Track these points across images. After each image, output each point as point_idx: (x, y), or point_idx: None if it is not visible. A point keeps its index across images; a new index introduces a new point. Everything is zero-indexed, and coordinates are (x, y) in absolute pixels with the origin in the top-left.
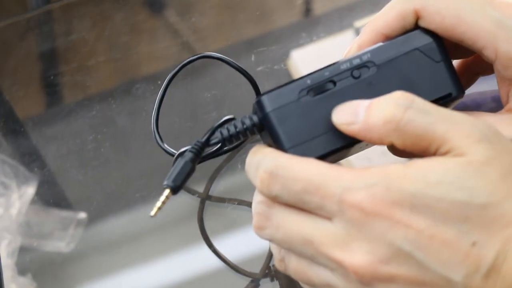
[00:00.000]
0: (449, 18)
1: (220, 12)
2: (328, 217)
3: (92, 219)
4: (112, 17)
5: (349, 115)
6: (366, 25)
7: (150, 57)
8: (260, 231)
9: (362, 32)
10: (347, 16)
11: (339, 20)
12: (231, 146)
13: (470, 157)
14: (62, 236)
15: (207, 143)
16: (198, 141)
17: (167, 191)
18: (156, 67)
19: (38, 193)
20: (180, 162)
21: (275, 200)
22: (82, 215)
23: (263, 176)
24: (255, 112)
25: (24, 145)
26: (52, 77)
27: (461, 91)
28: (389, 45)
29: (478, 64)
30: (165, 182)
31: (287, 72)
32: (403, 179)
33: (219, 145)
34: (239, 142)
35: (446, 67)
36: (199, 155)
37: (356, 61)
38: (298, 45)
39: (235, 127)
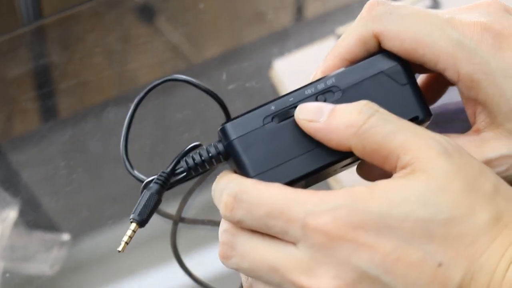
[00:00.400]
0: (408, 41)
1: (192, 29)
2: (293, 242)
3: (72, 242)
4: (85, 38)
5: (313, 113)
6: (329, 52)
7: (121, 78)
8: (226, 260)
9: (325, 58)
10: (328, 24)
11: (320, 27)
12: (197, 174)
13: (431, 173)
14: (46, 258)
15: (172, 173)
16: (163, 172)
17: (133, 225)
18: (127, 87)
19: (20, 216)
20: (146, 195)
21: (239, 225)
22: (66, 236)
23: (227, 201)
24: (220, 140)
25: (2, 170)
26: (24, 102)
27: (428, 114)
28: (354, 69)
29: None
30: (131, 216)
31: (259, 90)
32: (367, 200)
33: (184, 174)
34: (205, 170)
35: (412, 90)
36: (165, 186)
37: (321, 86)
38: (270, 62)
39: (200, 155)
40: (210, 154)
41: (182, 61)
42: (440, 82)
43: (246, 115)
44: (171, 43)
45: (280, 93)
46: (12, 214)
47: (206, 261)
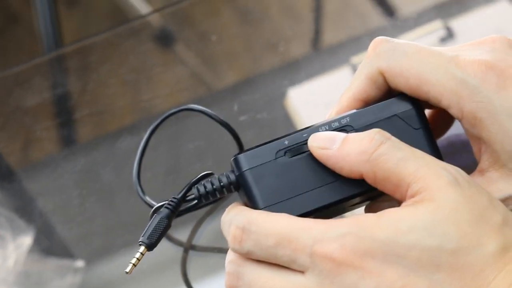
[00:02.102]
0: (412, 79)
1: (205, 60)
2: (301, 270)
3: (86, 268)
4: (100, 68)
5: (326, 140)
6: (342, 93)
7: (135, 108)
8: None
9: (339, 99)
10: (342, 52)
11: (334, 56)
12: (207, 202)
13: (440, 203)
14: (60, 285)
15: (183, 199)
16: (174, 197)
17: (142, 248)
18: (141, 117)
19: (35, 243)
20: (156, 219)
21: (248, 256)
22: (80, 263)
23: (236, 233)
24: (232, 170)
25: (13, 198)
26: (39, 131)
27: (439, 158)
28: (369, 110)
29: None
30: (140, 239)
31: (270, 121)
32: (375, 228)
33: (195, 201)
34: (215, 198)
35: (425, 134)
36: (175, 211)
37: (335, 124)
38: (281, 93)
39: (212, 184)
40: (221, 183)
41: (195, 92)
42: (447, 116)
43: (259, 148)
44: (184, 74)
45: (293, 123)
46: (26, 241)
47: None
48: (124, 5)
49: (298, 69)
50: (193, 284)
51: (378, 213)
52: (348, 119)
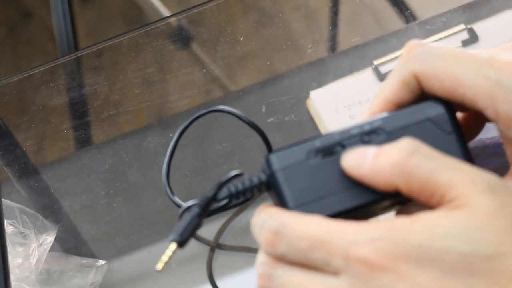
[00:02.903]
0: (447, 81)
1: (231, 61)
2: (335, 273)
3: (109, 267)
4: (125, 69)
5: (357, 158)
6: (375, 96)
7: (162, 109)
8: None
9: (372, 102)
10: (364, 54)
11: (356, 58)
12: (238, 202)
13: (475, 209)
14: (82, 283)
15: (214, 199)
16: (205, 196)
17: (173, 245)
18: (167, 116)
19: (56, 242)
20: (187, 217)
21: (281, 259)
22: (101, 262)
23: (268, 236)
24: (263, 170)
25: (40, 197)
26: (66, 131)
27: (471, 163)
28: (401, 113)
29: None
30: (171, 237)
31: (298, 123)
32: (408, 232)
33: (226, 200)
34: (246, 198)
35: (457, 139)
36: (206, 210)
37: (367, 127)
38: (308, 95)
39: (243, 184)
40: (252, 183)
41: (220, 93)
42: (478, 119)
43: (291, 148)
44: (210, 75)
45: (316, 124)
46: (49, 239)
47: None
48: (139, 4)
49: (326, 71)
50: (219, 283)
51: (412, 216)
52: (380, 122)
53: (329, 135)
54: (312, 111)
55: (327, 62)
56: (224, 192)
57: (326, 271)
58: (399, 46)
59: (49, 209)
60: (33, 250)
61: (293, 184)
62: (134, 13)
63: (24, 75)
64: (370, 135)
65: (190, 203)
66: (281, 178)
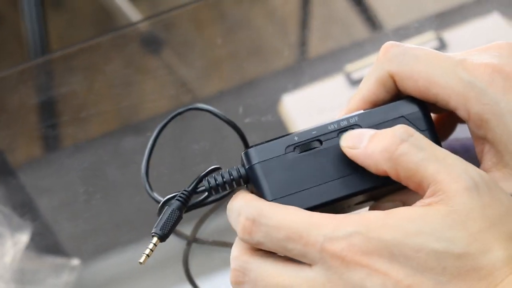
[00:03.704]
0: (421, 81)
1: (210, 63)
2: (309, 264)
3: (84, 266)
4: (103, 69)
5: (354, 140)
6: (353, 95)
7: (138, 109)
8: (238, 286)
9: (350, 101)
10: (336, 60)
11: (329, 64)
12: (216, 197)
13: (453, 207)
14: (56, 283)
15: (193, 191)
16: (185, 190)
17: (155, 239)
18: (145, 117)
19: (32, 241)
20: (168, 210)
21: (257, 246)
22: (75, 261)
23: (246, 224)
24: (242, 164)
25: (17, 195)
26: (44, 129)
27: None
28: (377, 110)
29: (455, 114)
30: (153, 230)
31: (274, 124)
32: (383, 228)
33: (205, 194)
34: (225, 192)
35: (431, 136)
36: (186, 203)
37: (344, 123)
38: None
39: (222, 177)
40: (231, 176)
41: (198, 95)
42: (451, 120)
43: (270, 143)
44: (183, 79)
45: (288, 127)
46: (24, 238)
47: (218, 283)
48: (110, 9)
49: (302, 73)
50: (196, 279)
51: (388, 211)
52: (356, 118)
53: (307, 130)
54: (284, 115)
55: (300, 67)
56: (204, 185)
57: (299, 263)
58: (371, 52)
59: (24, 207)
60: (8, 249)
61: (272, 177)
62: (104, 18)
63: (2, 74)
64: (346, 130)
65: (168, 196)
66: (259, 171)
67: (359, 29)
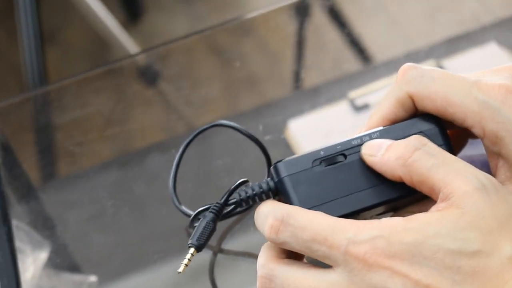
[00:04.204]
0: (439, 101)
1: (229, 84)
2: (332, 265)
3: (110, 279)
4: (126, 91)
5: (373, 148)
6: (372, 114)
7: (163, 127)
8: None
9: (369, 119)
10: (339, 88)
11: (333, 91)
12: (243, 208)
13: (465, 209)
14: None
15: (225, 204)
16: (217, 203)
17: (192, 249)
18: (167, 136)
19: (50, 258)
20: (203, 222)
21: (283, 246)
22: (93, 278)
23: (273, 223)
24: (271, 178)
25: (38, 211)
26: (71, 147)
27: None
28: (396, 127)
29: (468, 130)
30: (189, 241)
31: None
32: (403, 232)
33: (235, 205)
34: (254, 203)
35: (447, 150)
36: (219, 215)
37: (366, 138)
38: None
39: (253, 189)
40: (261, 189)
41: (220, 114)
42: (462, 136)
43: (297, 157)
44: (176, 113)
45: (293, 151)
46: (43, 255)
47: None
48: (102, 44)
49: (319, 95)
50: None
51: (407, 217)
52: (378, 134)
53: (332, 145)
54: (290, 140)
55: (300, 96)
56: (235, 197)
57: (323, 267)
58: (371, 78)
59: (50, 219)
60: (28, 265)
61: (300, 189)
62: (99, 52)
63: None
64: None
65: (200, 209)
66: (288, 184)
67: (351, 61)
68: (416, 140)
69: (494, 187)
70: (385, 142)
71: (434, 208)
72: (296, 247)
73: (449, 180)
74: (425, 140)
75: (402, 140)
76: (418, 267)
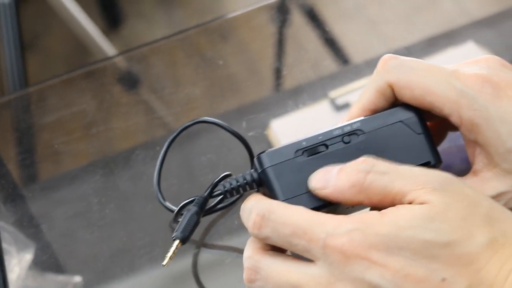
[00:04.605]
0: (418, 90)
1: (211, 82)
2: (313, 260)
3: (96, 277)
4: (109, 91)
5: (321, 181)
6: (354, 103)
7: (148, 126)
8: (251, 284)
9: (351, 109)
10: (320, 87)
11: (314, 90)
12: (227, 203)
13: (432, 203)
14: None
15: (210, 196)
16: (201, 196)
17: (176, 242)
18: (150, 135)
19: (36, 257)
20: (187, 215)
21: (265, 241)
22: (78, 278)
23: (256, 219)
24: (255, 169)
25: (23, 211)
26: (56, 146)
27: (439, 160)
28: (377, 116)
29: (447, 122)
30: (174, 235)
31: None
32: (379, 224)
33: (221, 197)
34: (237, 196)
35: (426, 138)
36: (203, 208)
37: (347, 128)
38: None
39: (237, 181)
40: (245, 180)
41: (202, 113)
42: (442, 128)
43: (280, 148)
44: (157, 116)
45: None
46: (28, 256)
47: (228, 287)
48: (83, 50)
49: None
50: (204, 282)
51: (382, 211)
52: (359, 124)
53: (314, 136)
54: (272, 139)
55: (281, 96)
56: (219, 189)
57: (307, 261)
58: (351, 78)
59: (35, 219)
60: (13, 266)
61: (283, 179)
62: (80, 58)
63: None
64: (350, 135)
65: (185, 202)
66: (271, 174)
67: (331, 61)
68: (364, 163)
69: (451, 183)
70: (332, 171)
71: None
72: (278, 242)
73: (407, 189)
74: (372, 160)
75: (350, 164)
76: (395, 257)
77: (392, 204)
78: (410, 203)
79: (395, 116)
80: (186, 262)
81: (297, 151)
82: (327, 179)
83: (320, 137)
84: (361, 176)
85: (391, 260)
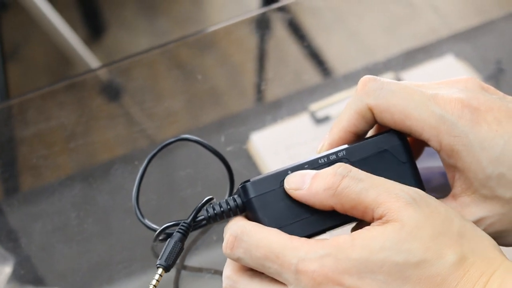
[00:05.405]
0: (397, 114)
1: (191, 96)
2: (285, 283)
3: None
4: (89, 104)
5: (297, 182)
6: (333, 125)
7: (127, 140)
8: None
9: (331, 131)
10: (300, 100)
11: (294, 103)
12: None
13: (403, 222)
14: None
15: (192, 222)
16: (184, 222)
17: (160, 270)
18: (130, 148)
19: (15, 270)
20: (171, 242)
21: (238, 262)
22: None
23: (229, 239)
24: (239, 195)
25: (2, 224)
26: (35, 160)
27: (422, 189)
28: (362, 145)
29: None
30: (158, 262)
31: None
32: (350, 249)
33: (203, 222)
34: (221, 220)
35: (410, 167)
36: (187, 235)
37: (333, 157)
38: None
39: (220, 206)
40: (229, 206)
41: (183, 126)
42: (420, 143)
43: (265, 176)
44: (139, 127)
45: (257, 165)
46: (7, 269)
47: None
48: (64, 60)
49: (280, 107)
50: None
51: (353, 233)
52: (344, 152)
53: (300, 164)
54: (253, 152)
55: (262, 109)
56: (202, 214)
57: (279, 282)
58: (330, 91)
59: (14, 233)
60: None
61: (267, 209)
62: (62, 69)
63: None
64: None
65: (164, 226)
66: (256, 204)
67: (311, 74)
68: (341, 167)
69: (425, 200)
70: (308, 174)
71: (376, 222)
72: (251, 264)
73: (381, 200)
74: (349, 166)
75: (327, 169)
76: (367, 281)
77: (364, 214)
78: (380, 217)
79: (381, 144)
80: (165, 277)
81: (282, 180)
82: (303, 181)
83: (306, 166)
84: (337, 179)
85: (363, 284)
